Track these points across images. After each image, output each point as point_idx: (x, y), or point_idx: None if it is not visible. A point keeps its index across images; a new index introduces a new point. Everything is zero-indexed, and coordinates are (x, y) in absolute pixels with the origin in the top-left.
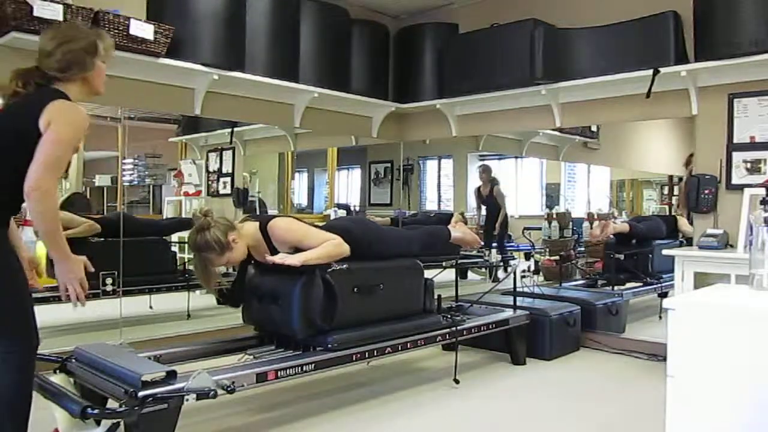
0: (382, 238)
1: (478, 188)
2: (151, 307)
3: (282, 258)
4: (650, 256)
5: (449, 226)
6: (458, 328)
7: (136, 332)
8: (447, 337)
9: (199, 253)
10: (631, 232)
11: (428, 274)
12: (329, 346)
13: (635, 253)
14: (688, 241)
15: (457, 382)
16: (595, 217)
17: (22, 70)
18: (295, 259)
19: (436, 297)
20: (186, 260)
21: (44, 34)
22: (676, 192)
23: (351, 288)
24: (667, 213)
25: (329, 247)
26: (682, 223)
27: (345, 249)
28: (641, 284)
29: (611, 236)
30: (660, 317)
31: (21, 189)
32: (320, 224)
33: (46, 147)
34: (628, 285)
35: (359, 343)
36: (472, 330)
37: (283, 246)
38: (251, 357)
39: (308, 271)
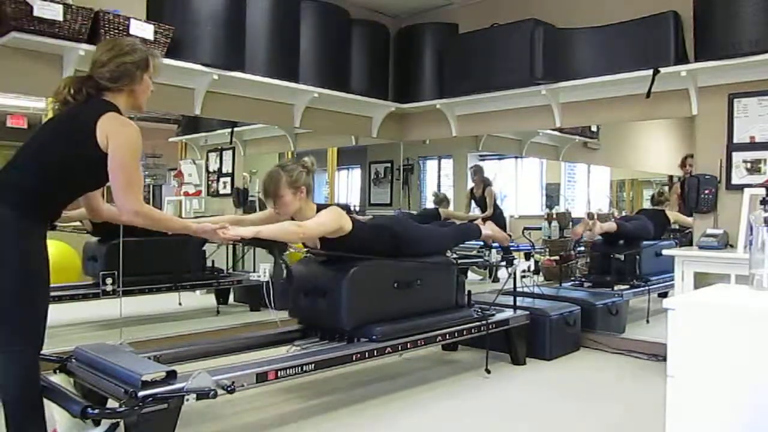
0: (422, 237)
1: (471, 189)
2: (180, 304)
3: (235, 231)
4: (637, 257)
5: (478, 223)
6: (489, 321)
7: (136, 332)
8: (480, 329)
9: (281, 170)
10: (619, 231)
11: None
12: (374, 337)
13: (623, 254)
14: (688, 239)
15: (488, 371)
16: (595, 216)
17: (75, 77)
18: (249, 232)
19: (466, 292)
20: (213, 259)
21: (100, 45)
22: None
23: (391, 283)
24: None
25: (285, 225)
26: (675, 217)
27: (297, 236)
28: (628, 287)
29: (598, 236)
30: (647, 321)
31: (66, 192)
32: (366, 218)
33: (116, 175)
34: (616, 288)
35: (403, 334)
36: (501, 324)
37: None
38: (298, 348)
39: (354, 265)
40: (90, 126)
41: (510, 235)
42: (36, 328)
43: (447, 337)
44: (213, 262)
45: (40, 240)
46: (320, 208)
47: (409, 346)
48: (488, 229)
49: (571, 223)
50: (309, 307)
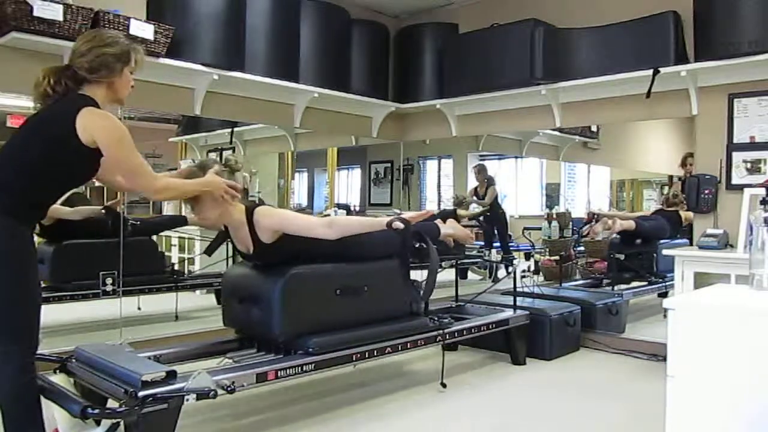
0: (366, 237)
1: (475, 188)
2: (139, 308)
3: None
4: (654, 255)
5: (437, 222)
6: (445, 331)
7: (136, 332)
8: (435, 340)
9: (198, 170)
10: (637, 230)
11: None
12: (310, 349)
13: (640, 253)
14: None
15: (444, 386)
16: (596, 216)
17: (54, 67)
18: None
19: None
20: (175, 260)
21: (82, 36)
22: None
23: (333, 290)
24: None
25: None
26: (689, 216)
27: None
28: (646, 284)
29: (616, 234)
30: (665, 316)
31: (50, 191)
32: None
33: (122, 170)
34: (631, 285)
35: (341, 346)
36: (462, 332)
37: (266, 232)
38: (230, 361)
39: (289, 270)
40: (69, 123)
41: (510, 235)
42: (28, 328)
43: (398, 348)
44: (173, 265)
45: (28, 240)
46: (249, 209)
47: (355, 358)
48: (449, 228)
49: (571, 223)
50: (243, 315)
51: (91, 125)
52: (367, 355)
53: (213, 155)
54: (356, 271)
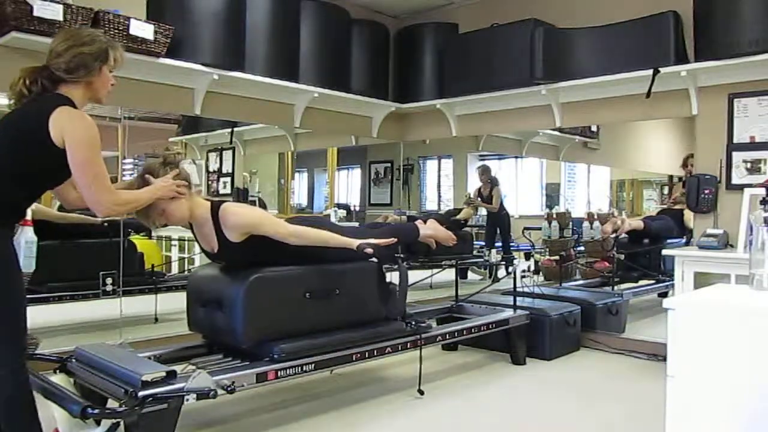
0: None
1: (479, 189)
2: (121, 312)
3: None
4: (662, 254)
5: (417, 223)
6: (423, 336)
7: (136, 332)
8: (411, 345)
9: (141, 180)
10: (646, 230)
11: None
12: (275, 356)
13: (648, 252)
14: None
15: (421, 393)
16: (595, 216)
17: (31, 68)
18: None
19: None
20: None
21: (58, 35)
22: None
23: (303, 293)
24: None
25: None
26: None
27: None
28: (654, 282)
29: (624, 234)
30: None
31: (25, 191)
32: None
33: (80, 174)
34: (633, 284)
35: (309, 352)
36: (441, 337)
37: (234, 231)
38: (194, 368)
39: (254, 273)
40: (43, 122)
41: (510, 235)
42: (17, 330)
43: (368, 354)
44: (153, 266)
45: (8, 241)
46: (215, 206)
47: (325, 365)
48: (429, 228)
49: (571, 223)
50: (207, 320)
51: (63, 125)
52: (337, 362)
53: (213, 155)
54: (327, 273)
